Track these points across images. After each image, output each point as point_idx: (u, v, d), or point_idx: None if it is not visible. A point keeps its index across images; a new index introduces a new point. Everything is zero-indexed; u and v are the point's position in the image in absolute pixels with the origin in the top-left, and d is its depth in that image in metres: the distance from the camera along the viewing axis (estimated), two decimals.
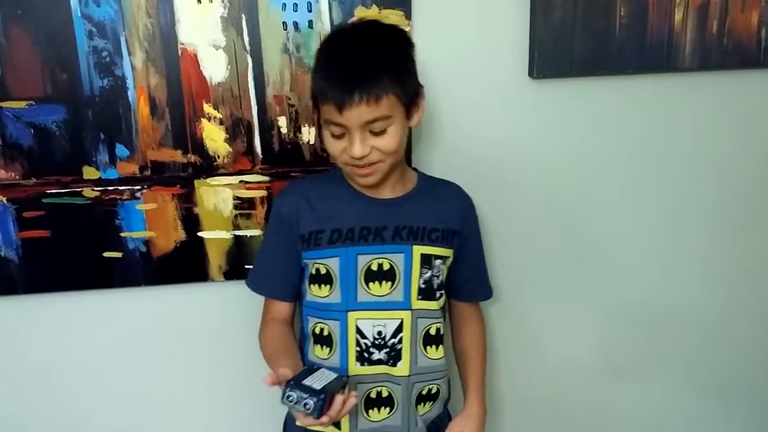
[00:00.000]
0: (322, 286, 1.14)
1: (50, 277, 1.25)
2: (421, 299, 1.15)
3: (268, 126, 1.24)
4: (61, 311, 1.28)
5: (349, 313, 1.13)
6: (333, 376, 1.03)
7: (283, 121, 1.24)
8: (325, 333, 1.14)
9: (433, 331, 1.17)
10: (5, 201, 1.20)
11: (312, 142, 1.26)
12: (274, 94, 1.22)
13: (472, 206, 1.24)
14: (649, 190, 1.42)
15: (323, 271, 1.13)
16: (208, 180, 1.25)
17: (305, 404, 0.96)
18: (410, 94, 1.07)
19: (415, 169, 1.22)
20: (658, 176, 1.41)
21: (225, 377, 1.37)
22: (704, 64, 1.31)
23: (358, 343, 1.13)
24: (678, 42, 1.29)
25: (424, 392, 1.17)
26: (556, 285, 1.45)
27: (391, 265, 1.13)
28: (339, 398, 0.99)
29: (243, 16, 1.18)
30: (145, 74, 1.18)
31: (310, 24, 1.20)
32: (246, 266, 1.28)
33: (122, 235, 1.25)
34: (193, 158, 1.23)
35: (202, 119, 1.22)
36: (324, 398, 0.96)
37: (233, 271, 1.30)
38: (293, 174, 1.26)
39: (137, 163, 1.22)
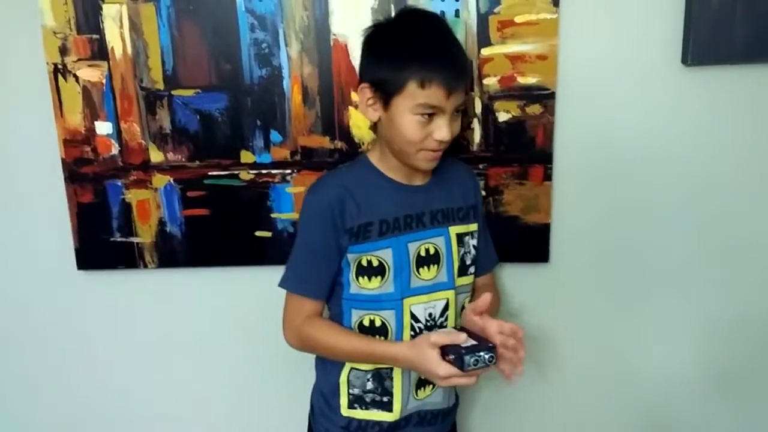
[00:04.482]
0: (373, 277, 1.15)
1: (208, 253, 1.35)
2: (460, 276, 1.21)
3: None
4: (217, 284, 1.38)
5: (405, 300, 1.16)
6: (457, 331, 1.12)
7: None
8: (378, 324, 1.16)
9: (466, 304, 1.23)
10: (173, 181, 1.32)
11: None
12: None
13: (477, 179, 1.30)
14: None
15: (375, 263, 1.14)
16: None
17: (487, 359, 1.05)
18: None
19: None
20: None
21: None
22: None
23: (412, 328, 1.17)
24: None
25: None
26: (674, 288, 1.38)
27: (436, 249, 1.17)
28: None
29: (392, 6, 1.22)
30: (300, 64, 1.25)
31: (457, 13, 1.22)
32: None
33: (272, 215, 1.33)
34: (339, 144, 1.29)
35: (349, 107, 1.27)
36: (494, 346, 1.06)
37: None
38: None
39: (289, 148, 1.30)
